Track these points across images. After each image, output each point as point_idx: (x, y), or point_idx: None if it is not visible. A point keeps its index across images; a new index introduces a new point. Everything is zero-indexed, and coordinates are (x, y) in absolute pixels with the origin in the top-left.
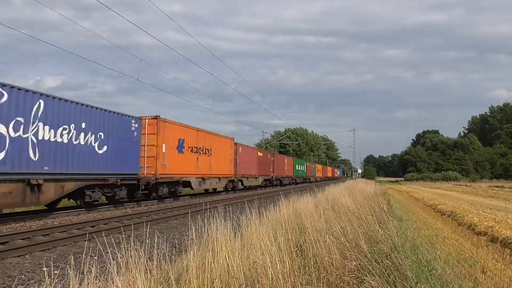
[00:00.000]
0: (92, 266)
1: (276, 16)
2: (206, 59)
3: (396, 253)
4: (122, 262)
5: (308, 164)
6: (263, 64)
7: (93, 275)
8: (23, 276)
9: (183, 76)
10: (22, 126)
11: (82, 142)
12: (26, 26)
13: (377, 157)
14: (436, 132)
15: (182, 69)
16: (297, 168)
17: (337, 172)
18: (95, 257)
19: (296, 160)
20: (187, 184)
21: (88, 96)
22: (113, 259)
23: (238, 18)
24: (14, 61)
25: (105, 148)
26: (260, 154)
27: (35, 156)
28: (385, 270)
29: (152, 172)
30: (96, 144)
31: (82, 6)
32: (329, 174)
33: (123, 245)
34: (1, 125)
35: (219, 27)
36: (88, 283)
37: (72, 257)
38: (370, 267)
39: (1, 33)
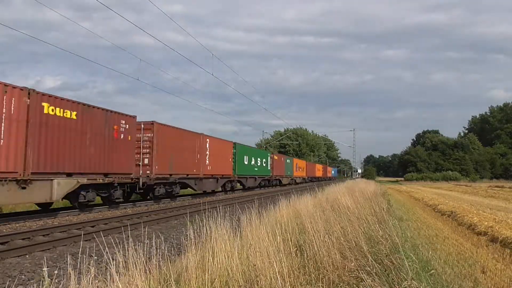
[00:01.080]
0: (92, 266)
1: (275, 17)
2: (206, 59)
3: (396, 253)
4: (122, 262)
5: (275, 158)
6: (263, 64)
7: (93, 275)
8: (23, 276)
9: (183, 76)
10: None
11: None
12: (26, 26)
13: (377, 157)
14: (436, 132)
15: (182, 69)
16: (245, 163)
17: (331, 171)
18: (95, 257)
19: (244, 147)
20: None
21: (88, 96)
22: (113, 259)
23: (238, 18)
24: (14, 61)
25: None
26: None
27: None
28: (385, 270)
29: None
30: None
31: (82, 6)
32: (319, 174)
33: (123, 245)
34: None
35: (219, 28)
36: (88, 283)
37: (72, 257)
38: (370, 267)
39: (2, 34)
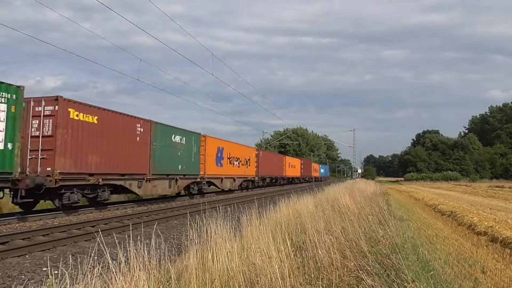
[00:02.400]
0: (93, 266)
1: (275, 17)
2: (206, 59)
3: (396, 253)
4: (123, 262)
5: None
6: (262, 64)
7: (94, 275)
8: (23, 276)
9: (183, 76)
10: None
11: None
12: (26, 26)
13: (377, 157)
14: (436, 132)
15: (182, 69)
16: None
17: (318, 169)
18: (95, 257)
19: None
20: None
21: (88, 96)
22: (114, 259)
23: (238, 19)
24: (14, 62)
25: None
26: None
27: None
28: (385, 270)
29: None
30: None
31: (82, 6)
32: (292, 173)
33: (123, 245)
34: None
35: (219, 28)
36: (89, 283)
37: (72, 257)
38: (370, 267)
39: (2, 34)
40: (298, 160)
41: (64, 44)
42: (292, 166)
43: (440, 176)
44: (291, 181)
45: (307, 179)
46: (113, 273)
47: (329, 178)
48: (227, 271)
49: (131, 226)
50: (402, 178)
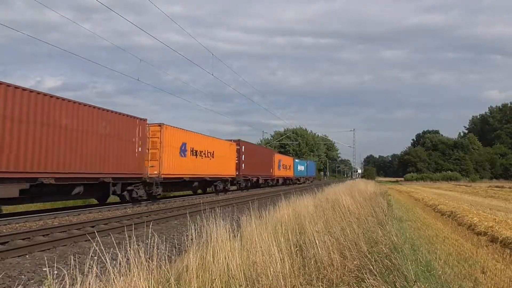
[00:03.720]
0: (92, 267)
1: (275, 18)
2: (206, 59)
3: (395, 253)
4: (123, 262)
5: None
6: (262, 64)
7: (94, 275)
8: (23, 276)
9: (183, 76)
10: None
11: None
12: (26, 27)
13: (377, 157)
14: (436, 132)
15: (182, 70)
16: None
17: (291, 166)
18: (95, 257)
19: None
20: None
21: (88, 96)
22: (113, 260)
23: (237, 19)
24: (14, 62)
25: None
26: None
27: None
28: (385, 270)
29: None
30: None
31: (82, 7)
32: (207, 169)
33: (123, 246)
34: None
35: (219, 28)
36: (89, 283)
37: (72, 257)
38: (369, 267)
39: (2, 34)
40: (228, 144)
41: (64, 44)
42: (207, 155)
43: (440, 176)
44: (206, 188)
45: (267, 181)
46: (112, 273)
47: (314, 179)
48: (227, 271)
49: (130, 226)
50: (402, 178)
